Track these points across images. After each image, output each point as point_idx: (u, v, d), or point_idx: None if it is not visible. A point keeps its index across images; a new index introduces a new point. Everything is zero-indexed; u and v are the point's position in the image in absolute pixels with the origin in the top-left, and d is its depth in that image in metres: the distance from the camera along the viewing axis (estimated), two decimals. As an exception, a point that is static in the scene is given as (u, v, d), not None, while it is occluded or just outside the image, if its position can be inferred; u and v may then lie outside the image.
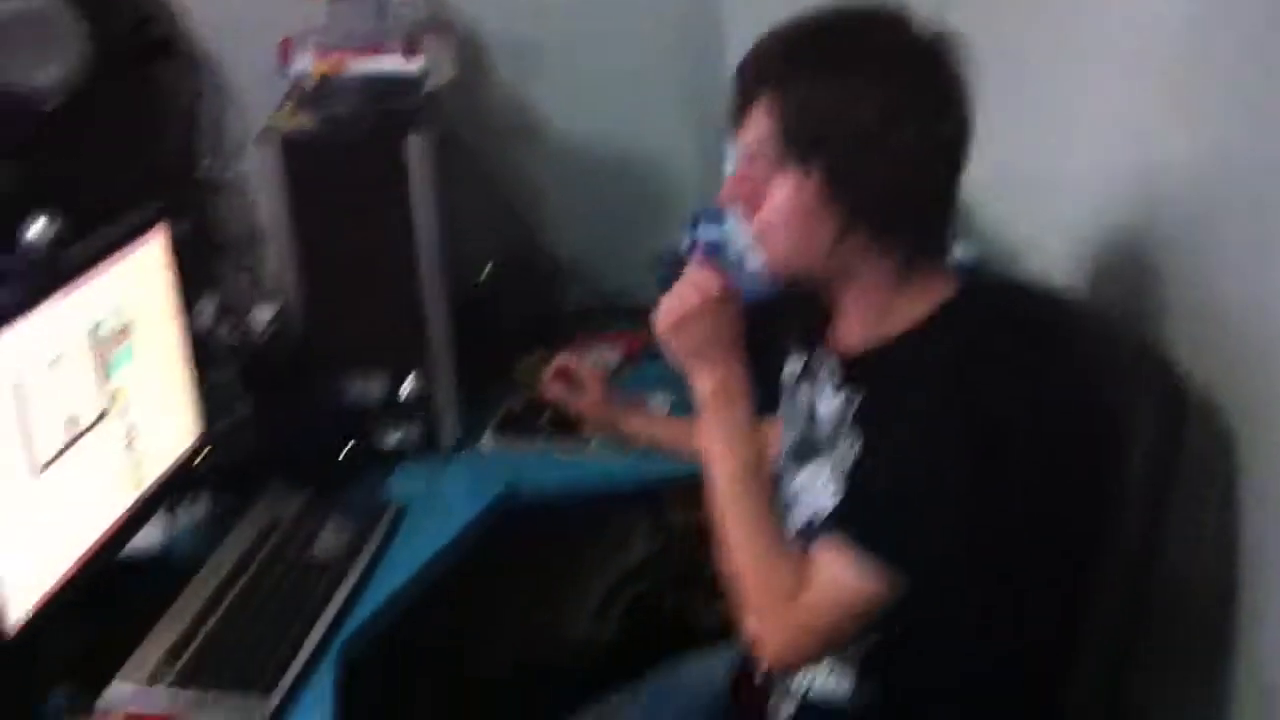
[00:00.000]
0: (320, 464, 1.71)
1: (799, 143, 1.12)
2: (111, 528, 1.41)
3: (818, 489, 1.21)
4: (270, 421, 1.75)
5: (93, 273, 1.33)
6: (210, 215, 2.05)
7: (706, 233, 1.93)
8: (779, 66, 1.13)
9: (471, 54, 2.01)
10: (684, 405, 1.40)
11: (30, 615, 1.25)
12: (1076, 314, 1.33)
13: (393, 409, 1.77)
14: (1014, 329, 1.15)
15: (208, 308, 1.86)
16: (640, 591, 2.21)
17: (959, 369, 1.11)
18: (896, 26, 1.13)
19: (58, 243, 1.24)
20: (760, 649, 1.17)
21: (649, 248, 2.03)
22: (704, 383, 1.23)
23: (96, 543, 1.38)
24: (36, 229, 1.21)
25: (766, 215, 1.16)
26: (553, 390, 1.64)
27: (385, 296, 1.74)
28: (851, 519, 1.13)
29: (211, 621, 1.40)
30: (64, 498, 1.31)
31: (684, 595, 2.13)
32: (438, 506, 1.69)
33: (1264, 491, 1.17)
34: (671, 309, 1.23)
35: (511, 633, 2.03)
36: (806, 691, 1.25)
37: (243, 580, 1.47)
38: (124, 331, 1.41)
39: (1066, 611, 1.20)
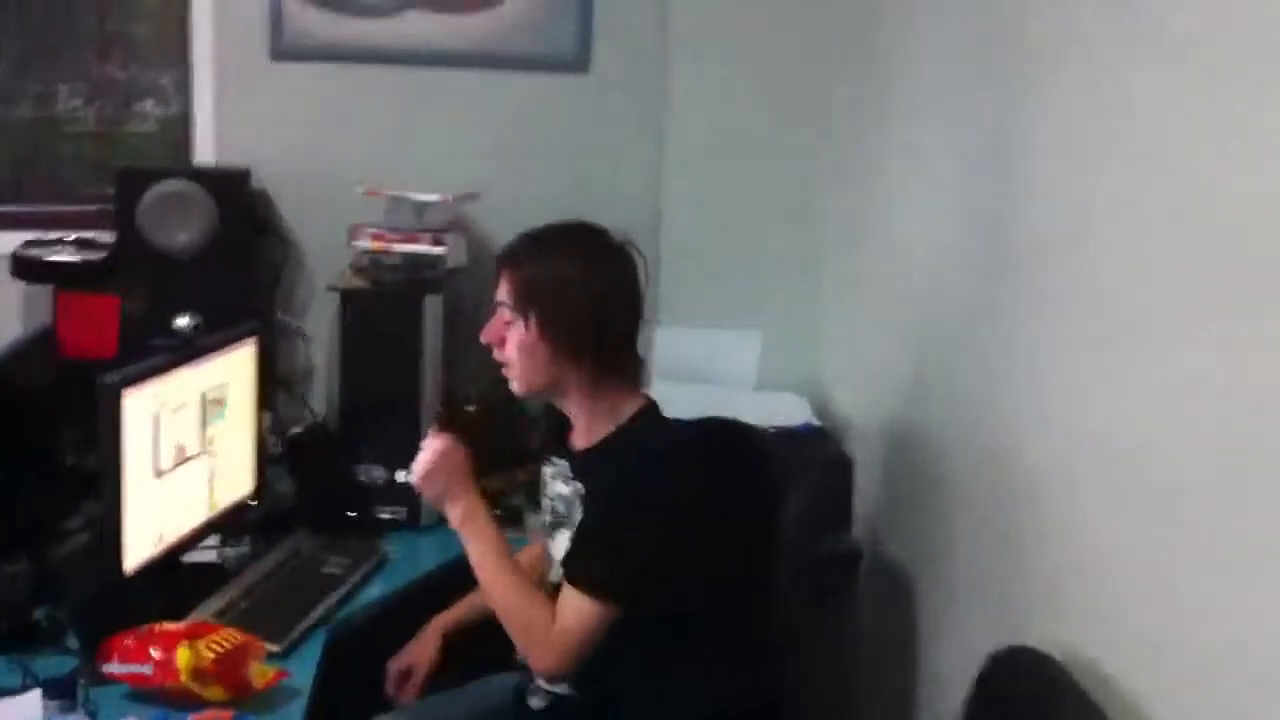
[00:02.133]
0: (334, 521, 2.39)
1: (522, 300, 1.75)
2: (191, 531, 2.09)
3: (562, 550, 1.79)
4: (305, 492, 2.44)
5: (210, 356, 2.06)
6: (277, 354, 2.80)
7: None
8: (513, 252, 1.80)
9: (478, 249, 2.77)
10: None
11: (140, 566, 1.92)
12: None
13: (390, 491, 2.46)
14: (685, 429, 1.81)
15: (265, 421, 2.56)
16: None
17: (648, 451, 1.74)
18: (593, 233, 1.78)
19: (194, 332, 1.97)
20: (536, 669, 1.76)
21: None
22: (455, 510, 1.78)
23: (180, 537, 2.06)
24: (183, 321, 1.93)
25: (507, 350, 1.78)
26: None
27: (394, 411, 2.46)
28: (573, 561, 1.73)
29: (250, 599, 2.04)
30: (169, 499, 2.00)
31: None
32: (413, 559, 2.36)
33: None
34: (419, 471, 1.79)
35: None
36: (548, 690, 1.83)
37: (272, 579, 2.13)
38: (221, 400, 2.13)
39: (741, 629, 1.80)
